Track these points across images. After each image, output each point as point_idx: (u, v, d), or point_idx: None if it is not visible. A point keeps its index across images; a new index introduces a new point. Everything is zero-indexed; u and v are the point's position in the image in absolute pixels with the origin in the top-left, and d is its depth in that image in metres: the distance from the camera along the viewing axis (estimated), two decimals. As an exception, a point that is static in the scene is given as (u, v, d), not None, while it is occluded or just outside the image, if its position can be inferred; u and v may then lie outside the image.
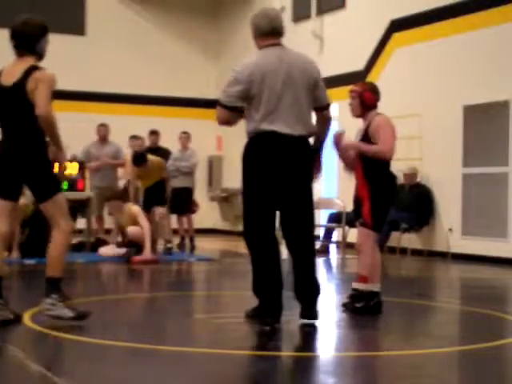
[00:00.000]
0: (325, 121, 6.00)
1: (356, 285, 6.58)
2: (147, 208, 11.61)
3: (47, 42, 5.73)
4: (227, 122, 5.86)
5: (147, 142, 13.86)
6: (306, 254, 5.84)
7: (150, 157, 11.91)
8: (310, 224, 5.89)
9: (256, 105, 5.69)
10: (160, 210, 11.88)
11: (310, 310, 5.79)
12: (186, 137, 13.65)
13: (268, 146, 5.70)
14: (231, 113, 5.77)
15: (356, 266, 6.90)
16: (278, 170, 5.72)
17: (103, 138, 13.36)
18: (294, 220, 5.83)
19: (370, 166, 6.44)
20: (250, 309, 6.00)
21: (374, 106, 6.59)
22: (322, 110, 5.96)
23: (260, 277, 5.83)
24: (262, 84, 5.68)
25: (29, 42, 5.63)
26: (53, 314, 5.60)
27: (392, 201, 6.66)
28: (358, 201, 6.55)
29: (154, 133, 14.06)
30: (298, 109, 5.76)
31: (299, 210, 5.83)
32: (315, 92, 5.85)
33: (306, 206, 5.86)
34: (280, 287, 5.81)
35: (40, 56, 5.70)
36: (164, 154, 13.62)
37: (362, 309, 6.44)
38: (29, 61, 5.63)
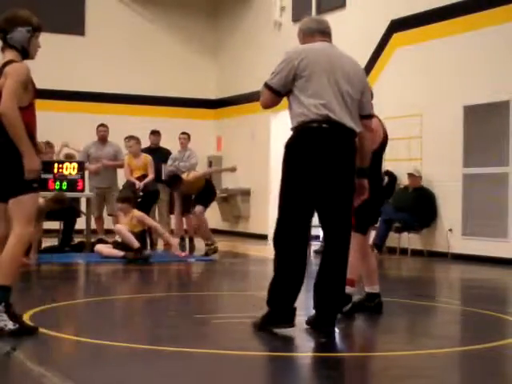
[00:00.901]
0: (366, 131, 5.68)
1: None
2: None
3: (22, 34, 5.41)
4: (271, 105, 5.60)
5: (148, 142, 13.90)
6: (337, 259, 5.52)
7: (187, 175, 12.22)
8: (349, 227, 5.60)
9: (305, 87, 5.41)
10: (199, 209, 12.02)
11: (327, 319, 5.53)
12: (185, 137, 13.64)
13: (321, 133, 5.38)
14: (277, 97, 5.53)
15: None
16: (329, 161, 5.39)
17: (103, 139, 13.36)
18: (335, 220, 5.52)
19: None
20: (260, 319, 5.62)
21: None
22: (364, 118, 5.67)
23: (284, 279, 5.47)
24: (313, 65, 5.42)
25: (2, 35, 5.44)
26: None
27: (379, 203, 6.59)
28: None
29: (154, 133, 14.08)
30: (346, 103, 5.47)
31: (341, 211, 5.51)
32: (362, 97, 5.60)
33: (348, 206, 5.56)
34: (299, 291, 5.55)
35: (18, 50, 5.43)
36: (164, 154, 13.63)
37: (349, 312, 6.34)
38: (7, 56, 5.42)
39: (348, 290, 6.26)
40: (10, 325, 5.21)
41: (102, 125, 13.47)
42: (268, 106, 5.63)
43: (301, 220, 5.49)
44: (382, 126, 6.56)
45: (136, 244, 10.90)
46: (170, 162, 13.30)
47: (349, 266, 6.16)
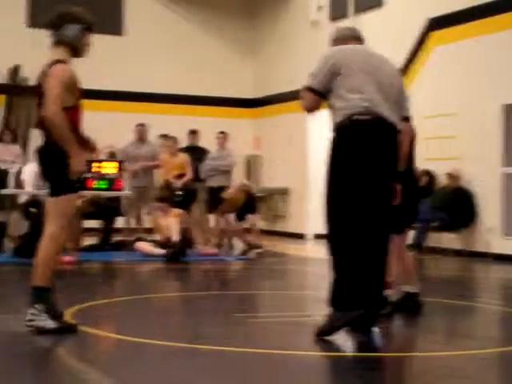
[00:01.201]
0: (405, 133, 5.60)
1: None
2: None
3: (74, 31, 5.43)
4: (314, 107, 5.49)
5: (186, 142, 13.96)
6: (377, 258, 5.37)
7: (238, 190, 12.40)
8: (390, 225, 5.50)
9: (345, 84, 5.32)
10: (254, 219, 12.70)
11: (366, 319, 5.38)
12: (222, 136, 13.68)
13: (367, 126, 5.28)
14: (319, 98, 5.44)
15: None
16: (376, 154, 5.29)
17: (141, 138, 13.42)
18: (378, 217, 5.39)
19: None
20: (327, 321, 5.38)
21: None
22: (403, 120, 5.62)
23: (349, 276, 5.29)
24: (350, 63, 5.37)
25: (53, 31, 5.46)
26: (34, 325, 5.26)
27: (415, 204, 6.52)
28: None
29: (193, 132, 14.13)
30: (387, 99, 5.39)
31: (383, 207, 5.40)
32: (399, 97, 5.54)
33: (389, 203, 5.47)
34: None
35: (69, 45, 5.45)
36: (202, 153, 13.68)
37: (387, 314, 6.27)
38: (57, 53, 5.46)
39: (385, 291, 6.19)
40: (51, 324, 5.27)
41: (141, 124, 13.54)
42: (311, 108, 5.53)
43: (356, 214, 5.32)
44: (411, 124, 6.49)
45: (175, 239, 10.94)
46: (207, 161, 13.34)
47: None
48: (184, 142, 13.91)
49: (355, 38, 5.73)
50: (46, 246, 5.30)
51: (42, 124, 5.42)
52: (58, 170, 5.36)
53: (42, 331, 5.25)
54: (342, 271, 5.31)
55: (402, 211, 6.14)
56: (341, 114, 5.36)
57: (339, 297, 5.30)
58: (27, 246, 10.12)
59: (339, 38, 5.73)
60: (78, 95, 5.44)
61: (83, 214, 11.24)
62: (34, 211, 10.75)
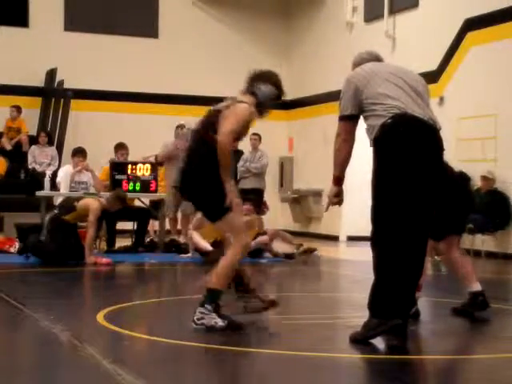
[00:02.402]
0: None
1: None
2: None
3: (270, 92, 5.87)
4: (351, 132, 5.43)
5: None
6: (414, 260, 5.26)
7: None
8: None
9: (375, 93, 5.27)
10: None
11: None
12: (256, 138, 13.70)
13: (411, 124, 5.20)
14: (354, 121, 5.41)
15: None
16: (424, 156, 5.20)
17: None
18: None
19: None
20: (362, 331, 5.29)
21: None
22: None
23: (397, 280, 5.15)
24: (374, 74, 5.34)
25: (252, 82, 5.90)
26: (204, 323, 5.55)
27: (459, 211, 6.47)
28: None
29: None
30: (422, 101, 5.36)
31: (431, 208, 5.30)
32: (428, 101, 5.49)
33: (433, 204, 5.36)
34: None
35: (258, 100, 5.84)
36: (236, 154, 13.71)
37: (412, 316, 6.20)
38: (242, 98, 5.84)
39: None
40: (220, 322, 5.54)
41: (180, 126, 13.54)
42: (349, 136, 5.44)
43: (404, 216, 5.20)
44: None
45: (209, 248, 10.89)
46: (241, 162, 13.38)
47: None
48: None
49: (374, 59, 5.68)
50: (232, 254, 5.67)
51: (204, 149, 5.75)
52: (209, 197, 5.69)
53: (211, 329, 5.50)
54: (384, 275, 5.19)
55: (444, 217, 6.13)
56: (380, 117, 5.27)
57: (378, 303, 5.19)
58: (42, 249, 10.16)
59: (357, 63, 5.68)
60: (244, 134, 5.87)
61: (119, 214, 11.26)
62: (51, 215, 10.77)
